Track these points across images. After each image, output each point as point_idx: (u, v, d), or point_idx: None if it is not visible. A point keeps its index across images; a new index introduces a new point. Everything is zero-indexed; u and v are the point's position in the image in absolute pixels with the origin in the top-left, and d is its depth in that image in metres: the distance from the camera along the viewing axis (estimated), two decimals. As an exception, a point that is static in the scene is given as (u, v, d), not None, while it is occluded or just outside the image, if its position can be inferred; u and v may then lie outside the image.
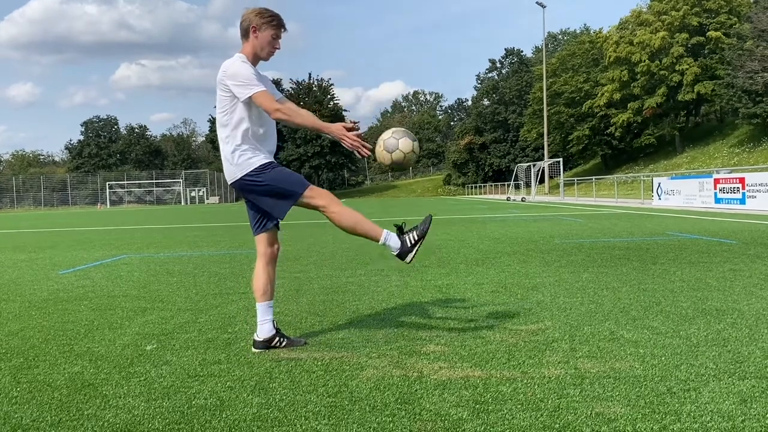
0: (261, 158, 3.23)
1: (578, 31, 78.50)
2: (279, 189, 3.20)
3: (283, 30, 3.31)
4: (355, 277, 5.89)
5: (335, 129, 3.19)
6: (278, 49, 3.33)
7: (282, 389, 2.66)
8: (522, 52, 76.51)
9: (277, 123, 3.38)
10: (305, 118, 3.27)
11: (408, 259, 3.21)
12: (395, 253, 3.23)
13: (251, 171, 3.20)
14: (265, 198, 3.24)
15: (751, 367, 2.78)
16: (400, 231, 3.25)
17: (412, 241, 3.21)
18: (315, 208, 3.23)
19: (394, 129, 3.38)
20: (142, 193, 77.37)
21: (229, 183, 3.31)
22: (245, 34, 3.27)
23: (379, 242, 3.21)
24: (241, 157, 3.21)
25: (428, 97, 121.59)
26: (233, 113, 3.22)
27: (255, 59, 3.29)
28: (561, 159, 39.70)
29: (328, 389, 2.64)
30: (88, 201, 76.51)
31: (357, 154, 3.20)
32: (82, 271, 7.00)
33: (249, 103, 3.20)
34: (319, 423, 2.27)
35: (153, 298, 5.05)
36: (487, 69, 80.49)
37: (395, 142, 3.30)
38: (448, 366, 2.90)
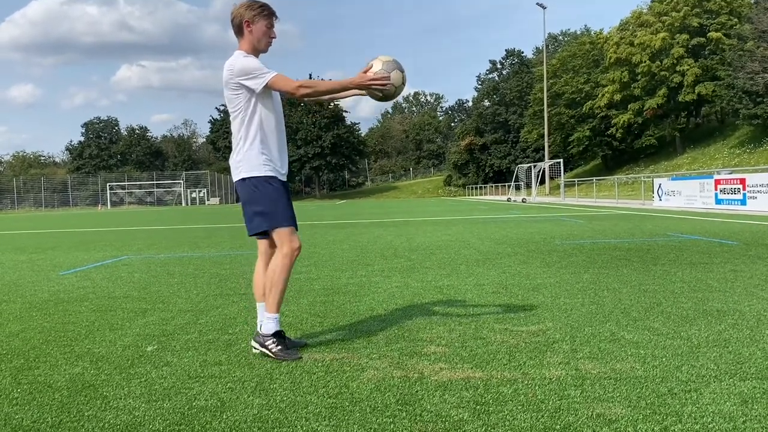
0: (270, 169, 3.23)
1: (579, 32, 78.50)
2: (266, 209, 3.20)
3: (275, 18, 3.30)
4: (356, 278, 5.89)
5: (358, 80, 3.16)
6: (274, 38, 3.32)
7: (282, 390, 2.65)
8: (522, 53, 76.56)
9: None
10: (330, 85, 3.26)
11: (253, 343, 3.23)
12: (260, 330, 3.25)
13: (257, 176, 3.20)
14: (249, 207, 3.24)
15: (752, 368, 2.78)
16: (281, 334, 3.26)
17: (269, 348, 3.17)
18: (275, 247, 3.27)
19: (382, 60, 3.24)
20: (143, 194, 77.42)
21: (234, 180, 3.32)
22: (239, 30, 3.26)
23: (266, 313, 3.25)
24: (255, 158, 3.20)
25: (429, 98, 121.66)
26: (247, 110, 3.21)
27: (255, 53, 3.28)
28: (561, 160, 39.69)
29: (328, 390, 2.63)
30: (88, 202, 76.57)
31: (379, 92, 3.17)
32: (83, 272, 7.00)
33: (264, 96, 3.19)
34: (319, 424, 2.27)
35: (154, 299, 5.05)
36: (487, 70, 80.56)
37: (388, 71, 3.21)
38: (448, 367, 2.90)
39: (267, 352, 3.17)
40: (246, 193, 3.24)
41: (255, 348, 3.24)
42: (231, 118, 3.29)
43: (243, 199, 3.27)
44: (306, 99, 3.32)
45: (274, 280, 3.23)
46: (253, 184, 3.21)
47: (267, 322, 3.23)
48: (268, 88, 3.16)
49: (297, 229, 3.38)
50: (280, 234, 3.23)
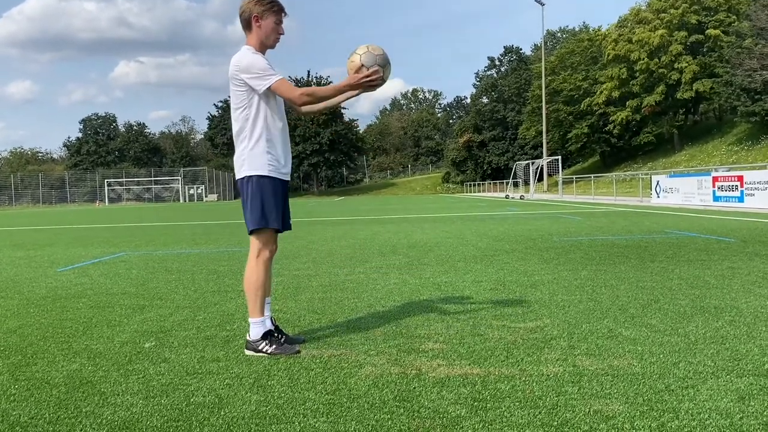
0: (273, 169, 3.22)
1: (577, 29, 78.42)
2: (260, 208, 3.20)
3: (284, 14, 3.29)
4: (354, 274, 5.89)
5: (352, 82, 3.16)
6: (282, 34, 3.31)
7: (280, 386, 2.66)
8: (521, 50, 76.63)
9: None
10: (326, 90, 3.26)
11: (247, 352, 3.20)
12: (248, 338, 3.24)
13: (261, 175, 3.19)
14: (250, 204, 3.24)
15: (749, 364, 2.79)
16: (275, 331, 3.25)
17: (264, 351, 3.17)
18: (251, 247, 3.30)
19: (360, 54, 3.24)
20: (141, 191, 77.25)
21: (236, 177, 3.31)
22: (248, 25, 3.24)
23: (248, 319, 3.25)
24: (260, 157, 3.19)
25: (427, 95, 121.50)
26: (251, 108, 3.20)
27: (263, 48, 3.27)
28: (560, 157, 39.75)
29: (326, 387, 2.64)
30: (86, 198, 76.41)
31: (374, 88, 3.19)
32: (81, 269, 7.00)
33: (267, 94, 3.18)
34: (317, 420, 2.27)
35: (151, 295, 5.04)
36: (486, 67, 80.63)
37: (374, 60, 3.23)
38: (446, 363, 2.90)
39: (263, 355, 3.15)
40: (248, 191, 3.23)
41: (250, 354, 3.21)
42: (233, 112, 3.27)
43: (244, 196, 3.27)
44: (304, 108, 3.32)
45: (254, 287, 3.24)
46: (256, 183, 3.20)
47: (253, 327, 3.22)
48: (270, 90, 3.16)
49: (281, 231, 3.35)
50: (261, 235, 3.24)
